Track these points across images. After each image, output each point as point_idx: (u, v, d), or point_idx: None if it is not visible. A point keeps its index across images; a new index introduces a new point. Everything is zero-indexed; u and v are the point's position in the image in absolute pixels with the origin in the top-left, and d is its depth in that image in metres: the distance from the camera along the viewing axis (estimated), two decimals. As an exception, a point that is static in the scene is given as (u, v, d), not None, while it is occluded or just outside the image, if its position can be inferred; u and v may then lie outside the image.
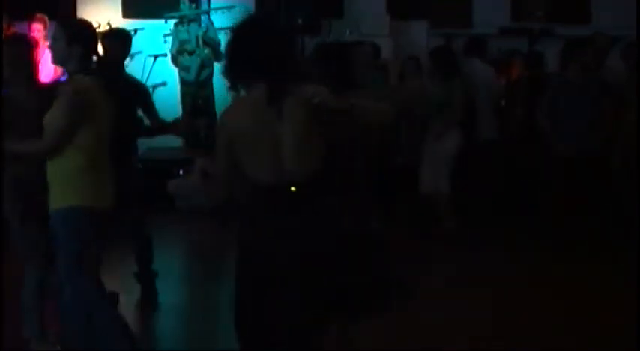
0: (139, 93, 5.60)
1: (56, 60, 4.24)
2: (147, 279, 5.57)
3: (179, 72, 9.36)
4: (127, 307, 5.64)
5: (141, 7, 9.57)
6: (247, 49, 3.16)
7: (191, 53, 9.26)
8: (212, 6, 9.36)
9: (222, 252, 6.96)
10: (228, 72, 3.22)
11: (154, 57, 9.31)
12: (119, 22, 9.52)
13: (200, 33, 9.18)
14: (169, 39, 9.48)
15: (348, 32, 9.14)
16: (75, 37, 4.13)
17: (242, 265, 3.22)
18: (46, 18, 8.25)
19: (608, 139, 6.83)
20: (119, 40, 5.62)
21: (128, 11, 9.61)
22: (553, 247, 6.75)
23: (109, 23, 9.47)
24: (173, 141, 9.48)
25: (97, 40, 4.30)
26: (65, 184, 4.12)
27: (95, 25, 9.33)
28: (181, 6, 9.29)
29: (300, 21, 8.89)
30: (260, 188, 3.13)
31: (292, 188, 3.14)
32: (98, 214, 4.15)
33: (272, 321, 3.18)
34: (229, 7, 9.23)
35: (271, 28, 3.26)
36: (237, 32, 3.24)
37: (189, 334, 5.23)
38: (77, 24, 4.29)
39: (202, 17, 9.26)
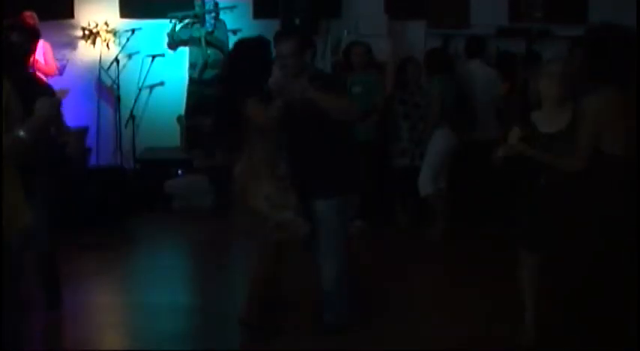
0: None
1: None
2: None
3: (188, 69, 9.27)
4: (124, 307, 5.68)
5: (138, 7, 9.53)
6: (606, 58, 4.26)
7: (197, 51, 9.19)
8: (212, 7, 9.30)
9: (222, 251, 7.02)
10: (587, 76, 4.40)
11: (152, 57, 9.29)
12: (117, 21, 9.50)
13: (203, 33, 9.12)
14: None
15: (345, 32, 9.14)
16: None
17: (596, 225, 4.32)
18: (35, 15, 8.17)
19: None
20: None
21: (125, 11, 9.58)
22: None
23: (106, 23, 9.47)
24: (172, 141, 9.49)
25: None
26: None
27: (92, 25, 9.44)
28: (195, 3, 9.23)
29: (298, 21, 8.87)
30: (612, 157, 4.28)
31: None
32: None
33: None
34: (231, 7, 9.20)
35: (629, 39, 4.30)
36: (604, 43, 4.28)
37: (190, 334, 5.21)
38: None
39: (207, 17, 9.19)
